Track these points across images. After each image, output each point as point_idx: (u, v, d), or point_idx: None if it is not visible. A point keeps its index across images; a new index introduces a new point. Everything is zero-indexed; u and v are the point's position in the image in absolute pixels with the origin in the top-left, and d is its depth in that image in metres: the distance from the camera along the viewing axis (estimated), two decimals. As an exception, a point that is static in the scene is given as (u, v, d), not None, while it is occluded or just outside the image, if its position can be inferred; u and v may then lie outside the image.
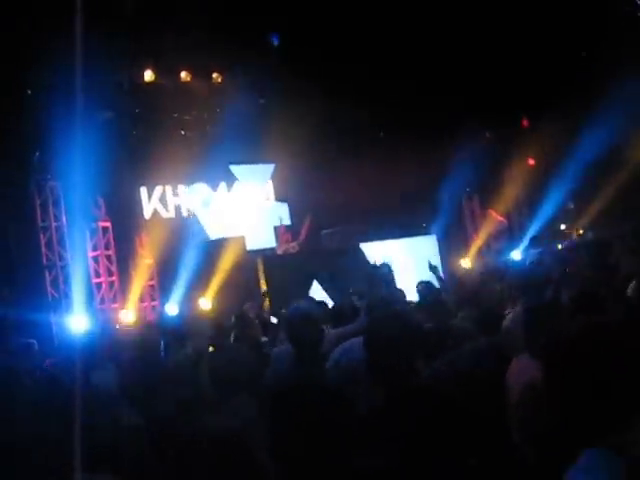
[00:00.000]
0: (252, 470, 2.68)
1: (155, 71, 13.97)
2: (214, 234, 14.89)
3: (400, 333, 3.02)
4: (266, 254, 14.28)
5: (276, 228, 15.30)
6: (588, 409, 1.92)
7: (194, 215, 14.91)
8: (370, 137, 15.57)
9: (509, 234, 17.69)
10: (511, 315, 4.84)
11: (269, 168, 16.30)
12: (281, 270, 13.25)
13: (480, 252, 16.98)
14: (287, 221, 15.72)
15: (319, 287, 12.91)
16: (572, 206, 16.67)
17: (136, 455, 3.77)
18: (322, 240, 14.97)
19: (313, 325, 4.39)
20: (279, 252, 14.67)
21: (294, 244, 14.71)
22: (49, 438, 3.42)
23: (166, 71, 14.17)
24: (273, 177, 16.38)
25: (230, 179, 15.86)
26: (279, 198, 16.32)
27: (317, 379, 4.00)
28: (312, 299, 7.69)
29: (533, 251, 12.68)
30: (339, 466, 2.49)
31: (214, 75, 14.72)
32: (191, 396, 4.75)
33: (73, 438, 2.99)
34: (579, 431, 1.93)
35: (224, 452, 2.68)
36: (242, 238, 14.40)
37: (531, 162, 17.27)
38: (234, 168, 15.81)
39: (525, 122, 17.28)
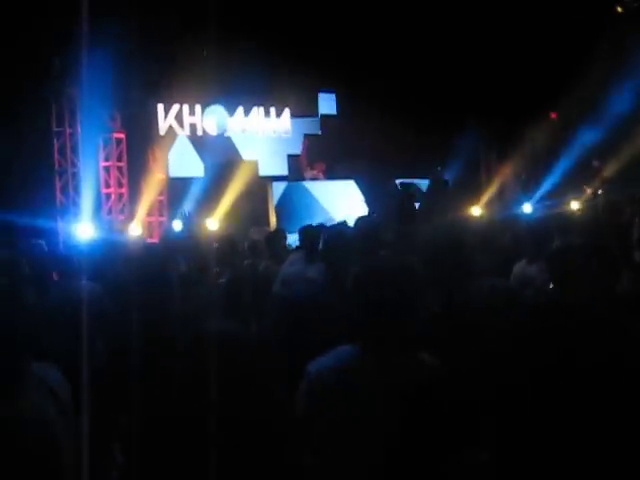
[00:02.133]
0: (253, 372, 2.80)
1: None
2: (226, 156, 14.79)
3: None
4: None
5: (291, 156, 15.17)
6: None
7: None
8: (392, 80, 15.32)
9: (524, 186, 17.51)
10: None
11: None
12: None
13: (492, 201, 16.85)
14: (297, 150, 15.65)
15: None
16: (597, 164, 16.19)
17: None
18: (336, 172, 14.92)
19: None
20: (307, 178, 14.70)
21: (320, 173, 14.78)
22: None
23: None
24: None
25: (247, 105, 15.68)
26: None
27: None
28: None
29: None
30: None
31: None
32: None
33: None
34: None
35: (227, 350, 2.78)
36: (255, 162, 14.31)
37: (553, 115, 17.00)
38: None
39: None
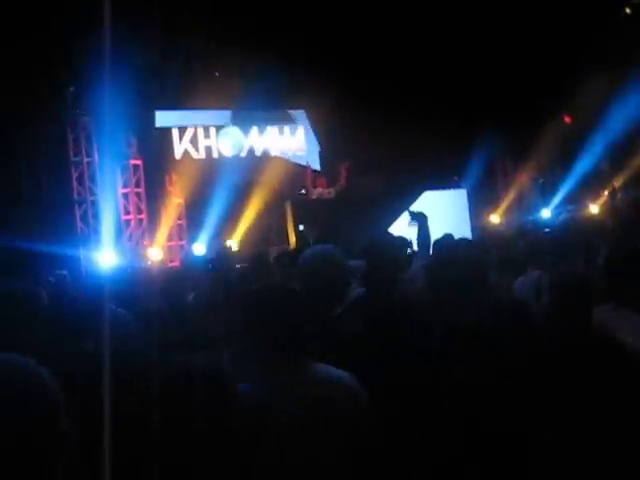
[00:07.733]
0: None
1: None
2: (243, 177, 14.83)
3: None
4: (297, 198, 13.98)
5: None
6: None
7: None
8: (405, 89, 15.27)
9: (541, 192, 17.44)
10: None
11: (300, 114, 16.13)
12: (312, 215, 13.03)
13: (510, 208, 16.81)
14: (316, 167, 15.52)
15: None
16: (607, 166, 16.16)
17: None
18: (353, 188, 14.78)
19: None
20: (313, 197, 14.41)
21: (331, 190, 14.48)
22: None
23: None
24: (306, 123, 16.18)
25: (262, 123, 15.75)
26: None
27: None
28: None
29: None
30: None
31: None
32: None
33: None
34: None
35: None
36: (272, 183, 14.36)
37: (567, 119, 16.93)
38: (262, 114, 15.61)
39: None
